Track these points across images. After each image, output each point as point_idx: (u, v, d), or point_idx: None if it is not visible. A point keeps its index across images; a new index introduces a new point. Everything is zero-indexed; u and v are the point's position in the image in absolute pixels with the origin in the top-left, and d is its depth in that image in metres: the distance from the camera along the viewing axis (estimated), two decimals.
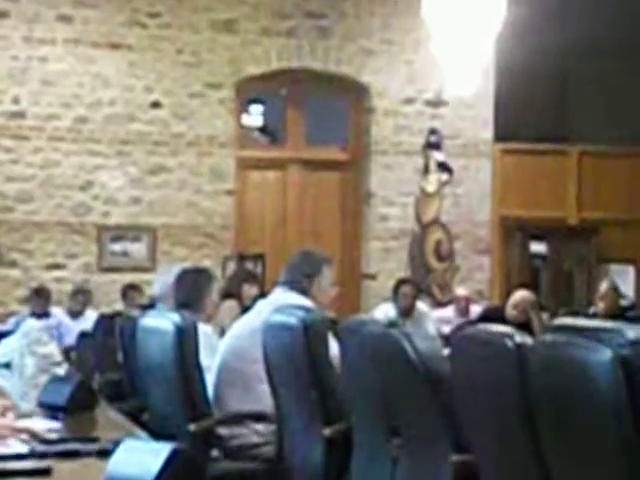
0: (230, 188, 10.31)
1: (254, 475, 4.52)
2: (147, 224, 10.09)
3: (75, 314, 9.26)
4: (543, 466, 2.62)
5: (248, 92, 10.78)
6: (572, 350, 2.40)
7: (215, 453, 4.53)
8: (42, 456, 2.76)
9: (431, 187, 10.67)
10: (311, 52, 10.52)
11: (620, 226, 11.02)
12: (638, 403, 2.24)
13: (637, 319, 7.28)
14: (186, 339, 4.35)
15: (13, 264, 9.77)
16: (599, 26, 10.81)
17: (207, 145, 10.22)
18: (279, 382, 4.41)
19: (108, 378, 6.22)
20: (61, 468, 2.65)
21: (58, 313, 9.19)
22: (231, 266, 9.85)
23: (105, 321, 6.90)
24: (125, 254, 10.05)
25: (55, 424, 3.24)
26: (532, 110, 12.01)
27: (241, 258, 10.17)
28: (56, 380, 3.96)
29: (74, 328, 8.59)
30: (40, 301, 9.06)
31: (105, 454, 2.58)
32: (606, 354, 2.27)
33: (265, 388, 4.48)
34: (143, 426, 4.00)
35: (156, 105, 10.10)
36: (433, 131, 10.73)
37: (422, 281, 10.31)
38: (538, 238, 11.39)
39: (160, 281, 5.98)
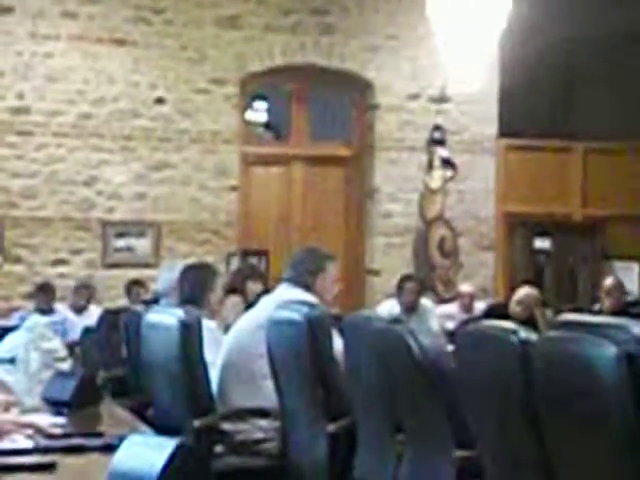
0: (234, 184, 10.31)
1: (258, 471, 4.52)
2: (151, 220, 10.10)
3: (79, 309, 9.27)
4: (547, 461, 2.62)
5: (252, 88, 10.77)
6: (576, 346, 2.39)
7: (219, 449, 4.54)
8: (47, 451, 2.77)
9: (435, 183, 10.66)
10: (315, 48, 10.51)
11: (624, 223, 11.01)
12: None
13: None
14: (190, 335, 4.36)
15: (18, 260, 9.78)
16: (604, 22, 10.80)
17: (211, 141, 10.22)
18: (283, 378, 4.41)
19: (112, 374, 6.23)
20: (66, 463, 2.66)
21: (62, 309, 9.19)
22: (235, 262, 9.86)
23: (109, 317, 6.91)
24: (129, 250, 10.06)
25: (60, 419, 3.25)
26: (536, 106, 12.00)
27: (245, 254, 10.17)
28: (60, 376, 3.97)
29: (78, 324, 8.60)
30: (44, 297, 9.07)
31: (109, 449, 2.58)
32: (610, 350, 2.26)
33: (269, 384, 4.49)
34: (147, 421, 4.01)
35: (160, 101, 10.10)
36: (437, 127, 10.72)
37: (426, 277, 10.30)
38: (542, 234, 11.38)
39: (164, 277, 5.99)
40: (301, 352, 4.21)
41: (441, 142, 10.69)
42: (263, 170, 10.67)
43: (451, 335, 6.52)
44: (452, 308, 9.56)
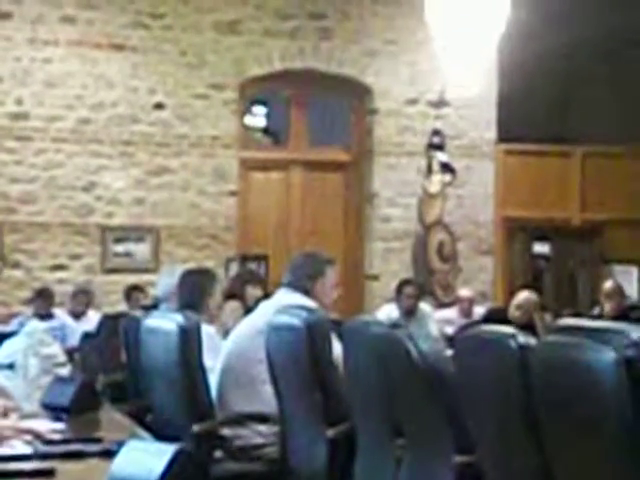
0: (233, 189, 10.31)
1: (257, 476, 4.52)
2: (150, 225, 10.10)
3: (77, 315, 9.26)
4: (546, 466, 2.62)
5: (251, 93, 10.78)
6: (575, 351, 2.39)
7: (218, 454, 4.53)
8: (46, 457, 2.77)
9: (434, 188, 10.66)
10: (314, 53, 10.52)
11: (624, 227, 11.01)
12: None
13: None
14: (189, 340, 4.36)
15: (16, 265, 9.77)
16: (603, 26, 10.81)
17: (210, 146, 10.22)
18: (282, 383, 4.41)
19: (111, 379, 6.22)
20: (65, 469, 2.65)
21: (61, 314, 9.19)
22: (234, 267, 9.85)
23: (109, 322, 6.90)
24: (128, 255, 10.05)
25: (59, 425, 3.24)
26: (535, 111, 12.01)
27: (244, 259, 10.17)
28: (60, 381, 3.96)
29: (77, 329, 8.59)
30: (43, 302, 9.06)
31: (109, 455, 2.58)
32: (610, 355, 2.26)
33: (268, 389, 4.48)
34: (146, 427, 4.00)
35: (159, 106, 10.11)
36: (436, 132, 10.72)
37: (425, 282, 10.31)
38: (541, 239, 11.39)
39: (163, 282, 5.98)
40: (300, 357, 4.21)
41: (440, 147, 10.69)
42: (262, 175, 10.68)
43: (450, 340, 6.52)
44: (451, 313, 9.56)
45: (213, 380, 4.60)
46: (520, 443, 2.75)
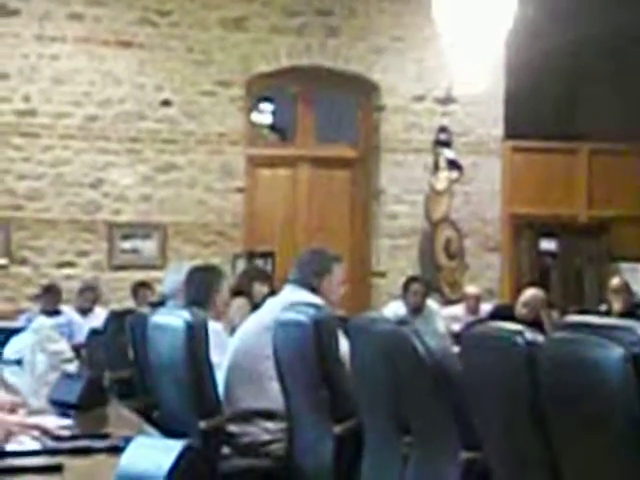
0: (240, 186, 10.31)
1: (264, 472, 4.53)
2: (157, 222, 10.11)
3: (84, 311, 9.28)
4: (553, 463, 2.62)
5: (258, 90, 10.78)
6: (583, 348, 2.39)
7: (226, 450, 4.54)
8: (54, 453, 2.77)
9: (441, 185, 10.66)
10: (321, 50, 10.52)
11: (631, 224, 11.00)
12: None
13: None
14: (196, 336, 4.36)
15: (24, 261, 9.79)
16: (609, 24, 10.79)
17: (217, 143, 10.23)
18: (289, 380, 4.41)
19: (119, 375, 6.23)
20: (72, 465, 2.66)
21: (68, 311, 9.20)
22: (241, 264, 9.86)
23: (116, 318, 6.91)
24: (135, 252, 10.07)
25: (66, 421, 3.25)
26: (542, 108, 12.00)
27: (251, 256, 10.17)
28: (67, 377, 3.96)
29: (84, 325, 8.61)
30: (50, 299, 9.07)
31: (116, 451, 2.58)
32: (617, 352, 2.26)
33: (275, 386, 4.49)
34: (154, 423, 4.01)
35: (166, 103, 10.12)
36: (443, 129, 10.72)
37: (432, 279, 10.30)
38: (548, 236, 11.37)
39: (170, 279, 5.99)
40: (307, 354, 4.21)
41: (447, 144, 10.69)
42: (269, 172, 10.68)
43: (457, 337, 6.52)
44: (458, 310, 9.56)
45: (220, 377, 4.60)
46: (527, 440, 2.75)
